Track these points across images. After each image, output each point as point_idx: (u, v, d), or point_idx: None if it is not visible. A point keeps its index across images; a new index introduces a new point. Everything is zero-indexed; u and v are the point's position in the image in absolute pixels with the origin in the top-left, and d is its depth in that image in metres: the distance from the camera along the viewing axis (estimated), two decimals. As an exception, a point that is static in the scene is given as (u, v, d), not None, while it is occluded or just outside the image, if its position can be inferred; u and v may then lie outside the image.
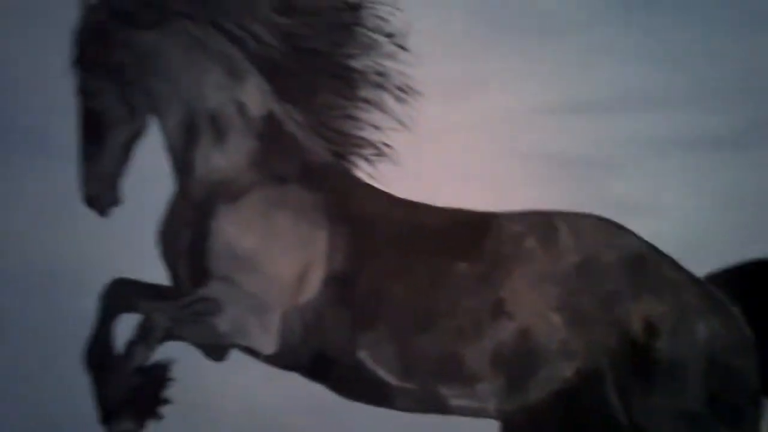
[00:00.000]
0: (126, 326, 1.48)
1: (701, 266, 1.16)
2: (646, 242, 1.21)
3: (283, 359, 1.35)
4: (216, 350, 1.42)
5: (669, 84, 1.22)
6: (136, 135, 1.43)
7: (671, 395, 1.18)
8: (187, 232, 1.39)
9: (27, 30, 1.56)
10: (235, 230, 1.35)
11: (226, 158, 1.37)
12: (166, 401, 1.46)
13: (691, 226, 1.24)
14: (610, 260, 1.20)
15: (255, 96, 1.36)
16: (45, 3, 1.55)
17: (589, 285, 1.21)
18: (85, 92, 1.45)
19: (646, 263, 1.20)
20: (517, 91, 1.35)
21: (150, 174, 1.47)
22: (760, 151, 1.16)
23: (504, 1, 1.31)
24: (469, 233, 1.28)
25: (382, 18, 1.29)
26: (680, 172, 1.23)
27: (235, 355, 1.40)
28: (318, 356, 1.32)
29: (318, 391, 1.36)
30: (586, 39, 1.28)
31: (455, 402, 1.26)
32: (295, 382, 1.37)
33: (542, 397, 1.23)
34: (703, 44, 1.15)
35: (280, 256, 1.33)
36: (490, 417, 1.27)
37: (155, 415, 1.47)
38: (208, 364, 1.42)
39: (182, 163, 1.40)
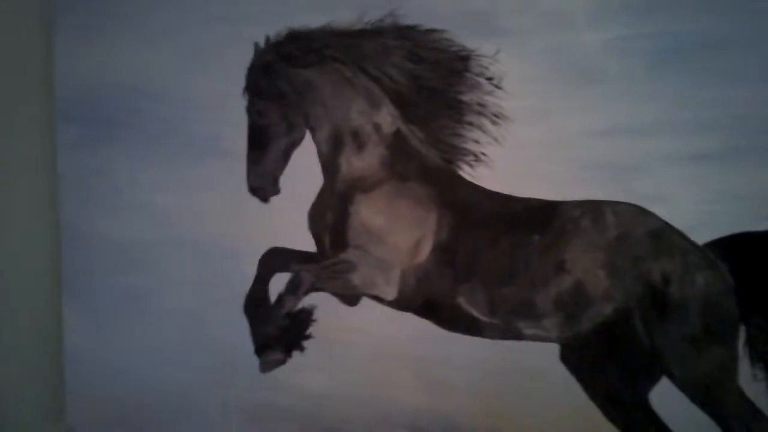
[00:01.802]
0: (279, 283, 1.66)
1: (701, 238, 1.39)
2: (663, 221, 1.40)
3: (400, 304, 1.55)
4: (350, 298, 1.63)
5: (679, 117, 1.42)
6: (293, 144, 1.63)
7: (679, 324, 1.37)
8: (331, 214, 1.59)
9: (211, 65, 1.77)
10: (368, 213, 1.55)
11: (363, 162, 1.56)
12: (309, 337, 1.66)
13: (693, 210, 1.42)
14: (639, 233, 1.39)
15: (387, 119, 1.55)
16: (221, 45, 1.73)
17: (624, 250, 1.40)
18: (254, 112, 1.65)
19: (663, 235, 1.39)
20: (575, 120, 1.49)
21: (303, 171, 1.65)
22: (741, 165, 1.32)
23: (569, 59, 1.48)
24: (541, 215, 1.46)
25: (484, 66, 1.49)
26: (686, 176, 1.43)
27: (364, 302, 1.61)
28: (426, 301, 1.52)
29: (426, 325, 1.55)
30: (622, 84, 1.46)
31: (528, 332, 1.46)
32: (409, 319, 1.56)
33: (590, 327, 1.43)
34: (704, 91, 1.36)
35: (401, 231, 1.53)
36: (553, 342, 1.47)
37: (300, 348, 1.67)
38: (344, 308, 1.64)
39: (330, 165, 1.59)
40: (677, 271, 1.36)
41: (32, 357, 2.23)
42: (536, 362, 1.49)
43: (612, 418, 1.42)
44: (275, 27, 1.64)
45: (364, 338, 1.68)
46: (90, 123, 1.99)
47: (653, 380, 1.40)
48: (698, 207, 1.39)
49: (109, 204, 2.01)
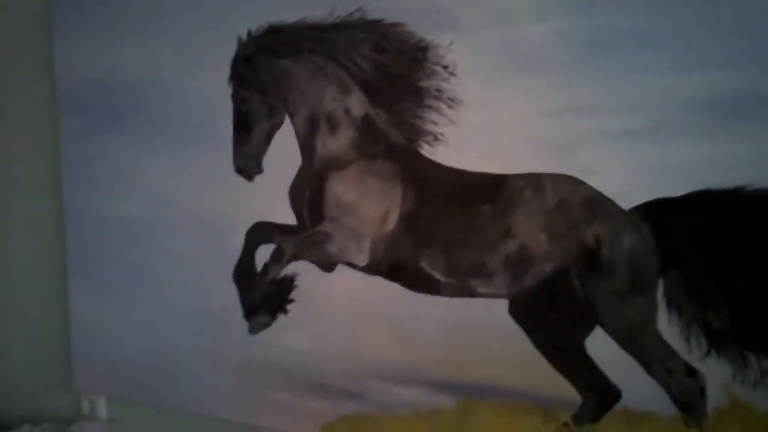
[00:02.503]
0: (264, 253, 1.78)
1: (627, 204, 1.43)
2: (595, 189, 1.44)
3: (371, 269, 1.64)
4: (327, 265, 1.71)
5: (610, 99, 1.44)
6: (274, 127, 1.73)
7: (609, 280, 1.43)
8: (309, 190, 1.69)
9: (203, 60, 1.86)
10: (342, 188, 1.64)
11: (336, 143, 1.65)
12: (292, 301, 1.77)
13: (621, 180, 1.44)
14: (575, 201, 1.45)
15: (356, 103, 1.63)
16: (209, 41, 1.83)
17: (562, 216, 1.46)
18: (238, 99, 1.75)
19: (595, 202, 1.43)
20: (519, 103, 1.51)
21: (284, 152, 1.73)
22: (663, 140, 1.39)
23: (514, 50, 1.51)
24: (490, 187, 1.52)
25: (440, 56, 1.55)
26: (616, 151, 1.45)
27: (340, 268, 1.70)
28: (394, 265, 1.61)
29: (394, 287, 1.64)
30: (561, 72, 1.49)
31: (480, 289, 1.54)
32: (379, 282, 1.65)
33: (534, 284, 1.50)
34: (632, 76, 1.42)
35: (370, 204, 1.62)
36: (502, 297, 1.53)
37: (284, 311, 1.79)
38: (322, 274, 1.72)
39: (307, 146, 1.68)
40: (607, 233, 1.43)
41: (40, 329, 2.36)
42: (489, 316, 1.57)
43: (553, 362, 1.51)
44: (257, 23, 1.75)
45: (340, 300, 1.77)
46: (90, 114, 2.10)
47: (588, 329, 1.47)
48: (625, 177, 1.44)
49: (109, 187, 2.12)
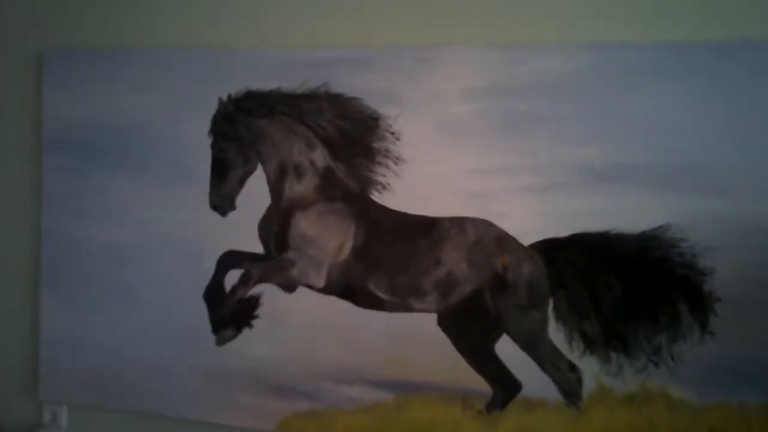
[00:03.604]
0: (232, 277, 1.94)
1: (527, 241, 1.64)
2: (504, 230, 1.64)
3: (327, 290, 1.79)
4: (289, 287, 1.87)
5: (517, 162, 1.69)
6: (248, 173, 1.88)
7: (512, 297, 1.63)
8: (276, 225, 1.85)
9: (181, 110, 1.93)
10: (305, 224, 1.81)
11: (302, 187, 1.81)
12: (256, 317, 1.89)
13: (523, 223, 1.68)
14: (489, 238, 1.65)
15: (320, 157, 1.79)
16: (194, 100, 1.92)
17: (479, 250, 1.66)
18: (217, 149, 1.91)
19: (504, 239, 1.64)
20: (449, 163, 1.72)
21: (255, 193, 1.87)
22: (556, 195, 1.66)
23: (445, 122, 1.73)
24: (425, 226, 1.71)
25: (388, 124, 1.74)
26: (521, 201, 1.68)
27: (300, 289, 1.85)
28: (346, 287, 1.76)
29: (346, 304, 1.79)
30: (481, 140, 1.72)
31: (416, 306, 1.72)
32: (333, 301, 1.80)
33: (457, 301, 1.68)
34: (535, 146, 1.69)
35: (328, 238, 1.79)
36: (433, 312, 1.71)
37: (249, 325, 1.94)
38: (284, 294, 1.87)
39: (276, 189, 1.84)
40: (512, 263, 1.65)
41: (9, 340, 2.38)
42: (421, 327, 1.74)
43: (471, 362, 1.70)
44: (236, 87, 1.86)
45: (299, 316, 1.87)
46: (75, 152, 2.20)
47: (497, 336, 1.68)
48: (526, 221, 1.67)
49: (89, 214, 2.19)
